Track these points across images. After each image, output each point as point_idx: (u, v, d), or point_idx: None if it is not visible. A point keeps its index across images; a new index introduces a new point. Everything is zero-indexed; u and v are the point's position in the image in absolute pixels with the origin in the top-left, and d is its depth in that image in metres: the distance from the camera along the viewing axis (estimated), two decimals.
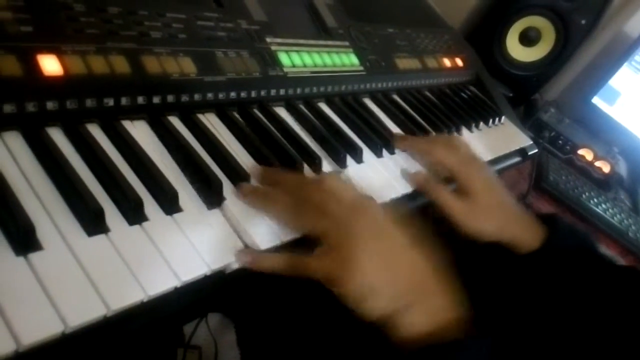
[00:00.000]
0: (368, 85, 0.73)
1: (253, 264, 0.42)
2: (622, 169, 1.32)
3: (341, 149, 0.58)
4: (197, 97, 0.50)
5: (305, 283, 0.45)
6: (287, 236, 0.45)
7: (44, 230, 0.33)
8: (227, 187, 0.45)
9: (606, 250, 1.01)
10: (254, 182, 0.47)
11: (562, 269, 0.58)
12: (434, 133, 0.75)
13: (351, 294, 0.42)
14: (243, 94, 0.55)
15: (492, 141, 0.84)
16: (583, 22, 1.20)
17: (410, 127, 0.72)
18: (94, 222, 0.35)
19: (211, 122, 0.51)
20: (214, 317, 1.29)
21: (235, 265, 0.41)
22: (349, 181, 0.50)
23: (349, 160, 0.59)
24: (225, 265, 0.40)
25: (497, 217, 0.60)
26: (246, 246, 0.43)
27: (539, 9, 1.18)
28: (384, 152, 0.64)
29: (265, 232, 0.44)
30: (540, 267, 0.58)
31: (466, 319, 0.44)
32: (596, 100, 1.35)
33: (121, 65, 0.44)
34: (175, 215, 0.40)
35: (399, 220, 0.47)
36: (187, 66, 0.49)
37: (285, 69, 0.61)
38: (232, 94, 0.53)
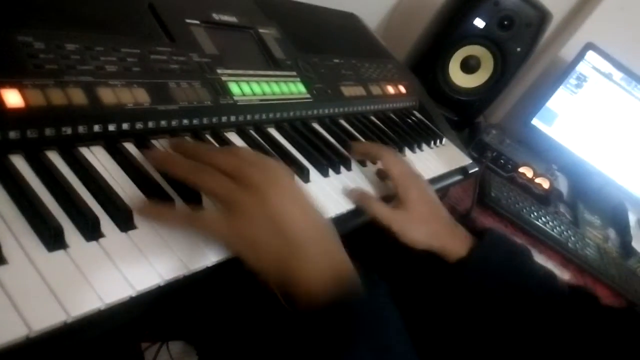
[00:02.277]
0: (315, 112, 0.78)
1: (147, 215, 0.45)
2: (562, 185, 1.42)
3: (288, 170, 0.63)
4: (150, 124, 0.54)
5: (267, 310, 0.48)
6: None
7: (8, 246, 0.37)
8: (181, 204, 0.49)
9: (545, 260, 1.08)
10: None
11: (488, 276, 0.63)
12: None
13: (237, 247, 0.46)
14: (195, 121, 0.59)
15: (434, 161, 0.90)
16: (519, 49, 1.29)
17: None
18: (53, 239, 0.39)
19: (165, 147, 0.55)
20: (175, 345, 1.30)
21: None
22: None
23: (297, 180, 0.64)
24: (178, 275, 0.43)
25: (429, 226, 0.66)
26: None
27: (477, 38, 1.27)
28: (330, 171, 0.69)
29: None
30: (467, 274, 0.63)
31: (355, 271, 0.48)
32: (535, 121, 1.45)
33: (78, 96, 0.48)
34: (130, 232, 0.44)
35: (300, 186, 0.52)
36: (140, 96, 0.54)
37: (235, 98, 0.65)
38: (185, 121, 0.58)
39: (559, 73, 1.44)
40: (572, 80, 1.42)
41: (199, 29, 0.68)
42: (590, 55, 1.38)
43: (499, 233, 0.68)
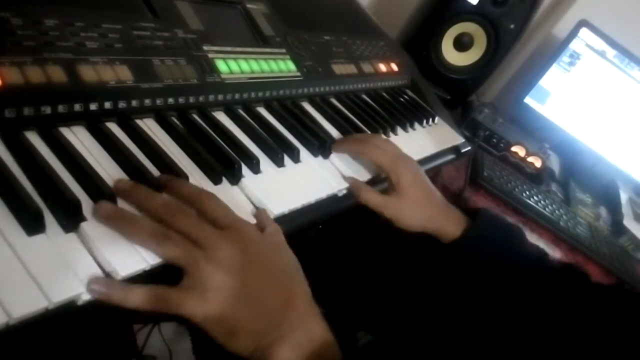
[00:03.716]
0: (305, 90, 0.77)
1: (107, 296, 0.37)
2: (554, 164, 1.41)
3: (278, 150, 0.61)
4: (134, 103, 0.52)
5: None
6: (155, 259, 0.41)
7: None
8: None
9: (537, 239, 1.08)
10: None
11: (482, 255, 0.63)
12: (369, 133, 0.79)
13: (213, 333, 0.41)
14: (181, 100, 0.57)
15: (426, 140, 0.89)
16: (512, 26, 1.27)
17: (347, 129, 0.76)
18: (33, 223, 0.37)
19: (149, 126, 0.53)
20: (167, 326, 1.30)
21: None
22: (221, 202, 0.46)
23: (287, 160, 0.62)
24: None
25: (423, 209, 0.65)
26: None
27: (471, 15, 1.25)
28: (321, 151, 0.68)
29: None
30: (461, 254, 0.63)
31: (334, 343, 0.45)
32: (528, 100, 1.43)
33: (57, 74, 0.46)
34: None
35: (276, 243, 0.47)
36: (123, 74, 0.52)
37: (222, 76, 0.63)
38: (170, 100, 0.56)
39: (552, 51, 1.43)
40: (565, 58, 1.40)
41: (183, 3, 0.65)
42: (584, 32, 1.37)
43: (492, 213, 0.68)
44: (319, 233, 1.18)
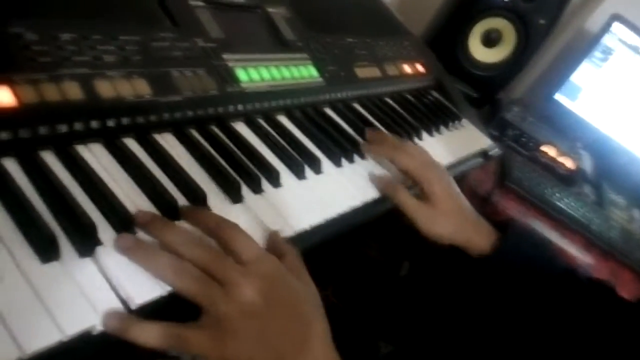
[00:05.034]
0: (328, 96, 0.75)
1: (122, 332, 0.36)
2: (587, 164, 1.36)
3: (300, 161, 0.60)
4: (153, 117, 0.51)
5: None
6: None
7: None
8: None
9: (569, 244, 1.04)
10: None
11: (511, 272, 0.61)
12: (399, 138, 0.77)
13: None
14: (200, 112, 0.56)
15: (453, 144, 0.86)
16: (542, 22, 1.23)
17: None
18: (47, 250, 0.36)
19: (168, 141, 0.52)
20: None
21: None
22: (243, 234, 0.44)
23: (308, 172, 0.61)
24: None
25: (454, 221, 0.63)
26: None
27: (499, 10, 1.21)
28: (343, 161, 0.66)
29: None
30: (490, 269, 0.61)
31: None
32: (558, 96, 1.39)
33: (74, 91, 0.45)
34: None
35: (297, 276, 0.45)
36: (141, 88, 0.50)
37: (243, 85, 0.62)
38: (189, 113, 0.55)
39: (583, 46, 1.38)
40: (597, 53, 1.35)
41: (203, 10, 0.64)
42: (617, 26, 1.31)
43: (522, 227, 0.66)
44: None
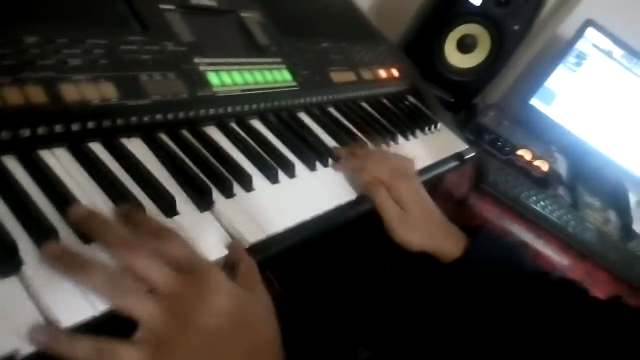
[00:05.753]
0: (302, 100, 0.74)
1: (51, 347, 0.33)
2: (562, 167, 1.38)
3: (273, 165, 0.59)
4: (120, 122, 0.50)
5: None
6: (105, 305, 0.37)
7: None
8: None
9: (545, 246, 1.05)
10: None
11: (481, 276, 0.61)
12: (370, 143, 0.77)
13: None
14: (170, 116, 0.55)
15: (429, 148, 0.86)
16: (517, 28, 1.25)
17: (347, 140, 0.74)
18: (7, 258, 0.35)
19: (136, 145, 0.51)
20: None
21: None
22: (185, 242, 0.41)
23: (282, 176, 0.60)
24: None
25: (425, 228, 0.64)
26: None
27: (474, 17, 1.23)
28: (318, 165, 0.66)
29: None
30: (461, 274, 0.62)
31: None
32: (534, 101, 1.40)
33: (37, 95, 0.44)
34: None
35: (248, 287, 0.42)
36: (108, 91, 0.50)
37: (214, 89, 0.61)
38: (159, 117, 0.54)
39: (558, 51, 1.40)
40: (571, 58, 1.37)
41: (174, 14, 0.63)
42: (590, 32, 1.33)
43: (492, 232, 0.67)
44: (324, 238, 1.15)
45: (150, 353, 0.35)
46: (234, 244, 0.47)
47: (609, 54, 1.35)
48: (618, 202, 1.38)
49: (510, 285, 0.61)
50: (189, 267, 0.39)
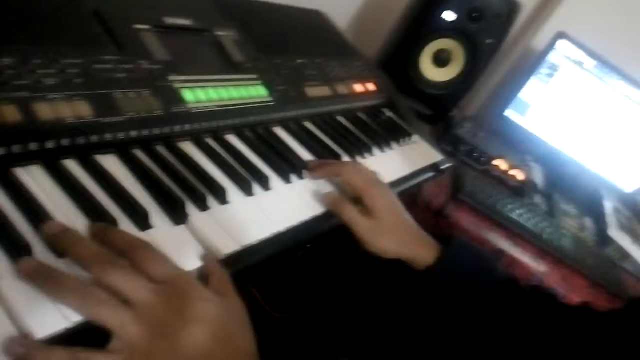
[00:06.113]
0: (278, 115, 0.76)
1: (25, 357, 0.33)
2: (537, 176, 1.41)
3: (246, 178, 0.61)
4: (94, 138, 0.51)
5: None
6: (79, 317, 0.37)
7: None
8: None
9: (522, 253, 1.07)
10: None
11: (453, 283, 0.63)
12: (345, 156, 0.79)
13: None
14: (145, 132, 0.56)
15: (403, 159, 0.88)
16: (489, 41, 1.28)
17: (322, 152, 0.76)
18: None
19: (110, 162, 0.52)
20: None
21: None
22: (157, 253, 0.42)
23: (256, 188, 0.61)
24: None
25: (398, 235, 0.65)
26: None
27: (448, 32, 1.26)
28: (293, 177, 0.67)
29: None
30: (434, 281, 0.63)
31: None
32: (509, 112, 1.44)
33: (11, 114, 0.45)
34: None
35: (221, 295, 0.43)
36: (82, 109, 0.51)
37: (189, 105, 0.63)
38: (133, 133, 0.55)
39: (530, 63, 1.44)
40: (543, 69, 1.41)
41: (149, 34, 0.65)
42: (562, 44, 1.37)
43: (464, 240, 0.68)
44: (307, 252, 1.17)
45: None
46: (207, 255, 0.48)
47: (580, 64, 1.39)
48: (593, 209, 1.42)
49: (481, 292, 0.63)
50: (162, 277, 0.40)
